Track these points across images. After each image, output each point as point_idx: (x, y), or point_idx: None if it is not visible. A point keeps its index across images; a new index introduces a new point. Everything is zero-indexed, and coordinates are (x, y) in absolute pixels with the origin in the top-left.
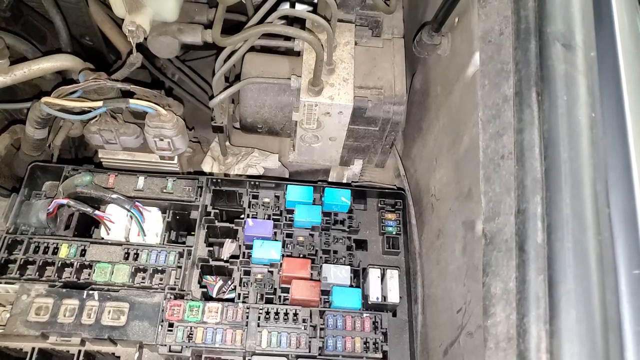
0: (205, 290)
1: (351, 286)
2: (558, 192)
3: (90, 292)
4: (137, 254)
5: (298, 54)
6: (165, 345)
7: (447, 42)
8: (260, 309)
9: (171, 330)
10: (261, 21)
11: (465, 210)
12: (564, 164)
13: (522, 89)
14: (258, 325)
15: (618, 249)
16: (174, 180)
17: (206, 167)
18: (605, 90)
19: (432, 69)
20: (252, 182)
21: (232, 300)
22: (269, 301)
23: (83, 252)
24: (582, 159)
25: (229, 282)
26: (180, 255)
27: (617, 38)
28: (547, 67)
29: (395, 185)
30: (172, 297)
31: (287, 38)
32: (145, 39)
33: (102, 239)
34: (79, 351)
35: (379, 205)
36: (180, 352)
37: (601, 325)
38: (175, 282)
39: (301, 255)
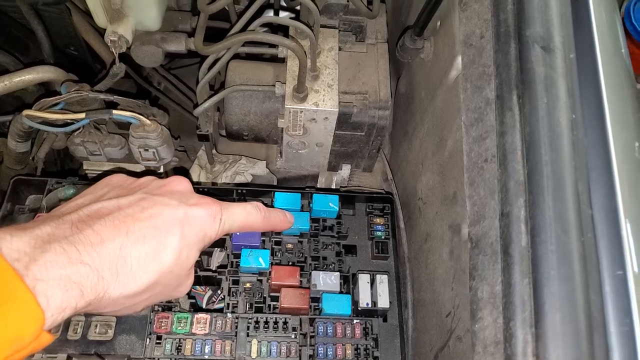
0: (193, 300)
1: (341, 292)
2: (540, 195)
3: None
4: None
5: (282, 60)
6: (154, 358)
7: (430, 46)
8: (250, 319)
9: (159, 343)
10: (244, 29)
11: (451, 213)
12: (545, 166)
13: (503, 92)
14: (247, 335)
15: (601, 250)
16: None
17: (193, 175)
18: (584, 91)
19: (416, 73)
20: (240, 190)
21: (221, 310)
22: (259, 310)
23: None
24: (563, 160)
25: (218, 292)
26: None
27: (596, 39)
28: (527, 69)
29: (383, 189)
30: (160, 308)
31: (271, 45)
32: (129, 48)
33: None
34: None
35: (368, 209)
36: None
37: (586, 327)
38: None
39: (290, 263)
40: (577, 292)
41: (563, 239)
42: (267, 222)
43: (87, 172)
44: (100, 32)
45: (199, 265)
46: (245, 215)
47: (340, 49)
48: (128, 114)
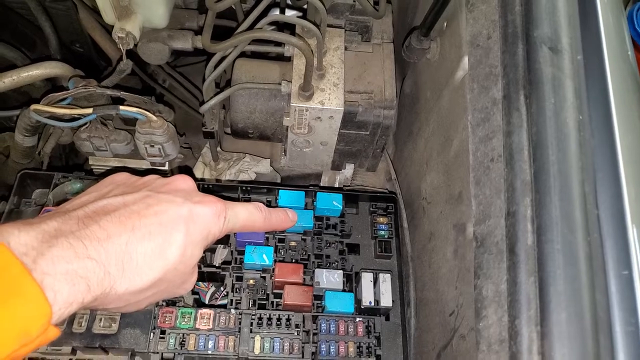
0: (197, 296)
1: (344, 290)
2: (547, 194)
3: None
4: None
5: (289, 59)
6: (158, 352)
7: (436, 47)
8: (253, 315)
9: (163, 338)
10: (251, 27)
11: (456, 213)
12: (552, 166)
13: (510, 92)
14: (251, 331)
15: (607, 250)
16: None
17: (197, 172)
18: (592, 92)
19: (422, 73)
20: (244, 188)
21: (224, 306)
22: (262, 307)
23: None
24: (570, 160)
25: (222, 288)
26: None
27: (603, 41)
28: (534, 70)
29: (386, 188)
30: (164, 303)
31: (278, 44)
32: (136, 45)
33: None
34: None
35: (371, 209)
36: (173, 359)
37: (592, 326)
38: None
39: (293, 260)
40: (583, 291)
41: (569, 238)
42: (267, 223)
43: (92, 167)
44: (107, 29)
45: (202, 261)
46: (247, 215)
47: (346, 48)
48: (135, 110)
